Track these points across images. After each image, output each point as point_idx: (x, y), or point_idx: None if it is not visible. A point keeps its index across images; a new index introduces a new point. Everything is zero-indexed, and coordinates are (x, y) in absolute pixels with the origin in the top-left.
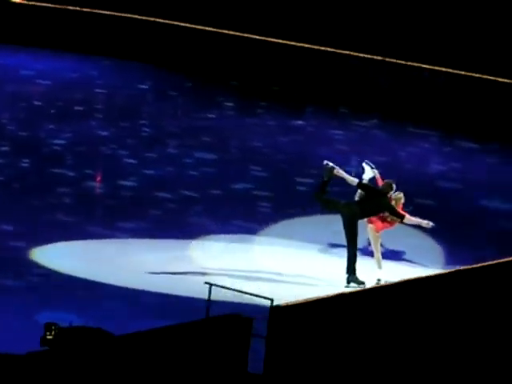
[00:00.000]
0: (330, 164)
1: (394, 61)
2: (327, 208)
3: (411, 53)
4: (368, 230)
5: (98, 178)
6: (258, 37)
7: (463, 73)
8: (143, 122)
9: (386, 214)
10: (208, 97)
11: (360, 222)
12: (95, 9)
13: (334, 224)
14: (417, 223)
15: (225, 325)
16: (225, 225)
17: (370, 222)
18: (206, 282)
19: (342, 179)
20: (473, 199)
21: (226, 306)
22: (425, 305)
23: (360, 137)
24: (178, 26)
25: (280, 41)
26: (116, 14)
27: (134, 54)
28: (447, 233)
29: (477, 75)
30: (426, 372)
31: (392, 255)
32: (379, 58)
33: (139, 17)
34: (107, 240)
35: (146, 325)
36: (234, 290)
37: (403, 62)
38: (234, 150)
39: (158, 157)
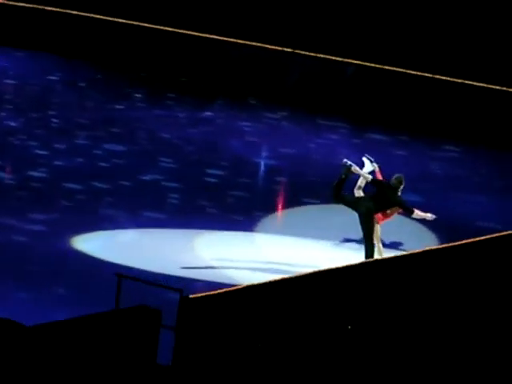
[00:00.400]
0: (349, 162)
1: (304, 53)
2: (344, 205)
3: (322, 45)
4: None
5: (7, 170)
6: (166, 28)
7: (373, 65)
8: (53, 112)
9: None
10: (117, 88)
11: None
12: (5, 0)
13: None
14: (423, 217)
15: (133, 316)
16: (134, 216)
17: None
18: (116, 274)
19: (358, 176)
20: None
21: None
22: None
23: (269, 128)
24: (88, 17)
25: (188, 32)
26: (27, 5)
27: (44, 45)
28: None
29: (386, 67)
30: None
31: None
32: (289, 49)
33: (50, 8)
34: None
35: None
36: (143, 281)
37: (313, 54)
38: (143, 141)
39: (68, 148)
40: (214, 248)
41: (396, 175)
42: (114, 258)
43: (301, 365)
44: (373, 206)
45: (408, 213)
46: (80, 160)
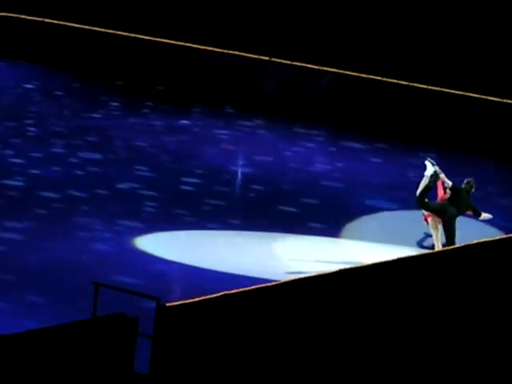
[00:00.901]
0: (436, 167)
1: (281, 61)
2: (430, 211)
3: (298, 53)
4: (431, 223)
5: None
6: (142, 36)
7: (350, 73)
8: (29, 121)
9: None
10: (93, 96)
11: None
12: None
13: None
14: (486, 218)
15: (110, 325)
16: (110, 224)
17: (429, 216)
18: (92, 282)
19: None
20: (358, 198)
21: None
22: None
23: (246, 136)
24: (64, 25)
25: (165, 40)
26: (2, 14)
27: (20, 54)
28: (334, 230)
29: (362, 75)
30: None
31: None
32: (266, 58)
33: (26, 17)
34: None
35: None
36: (120, 289)
37: (290, 62)
38: (119, 149)
39: (44, 156)
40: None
41: (467, 180)
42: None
43: (279, 372)
44: (455, 210)
45: (477, 216)
46: (56, 168)
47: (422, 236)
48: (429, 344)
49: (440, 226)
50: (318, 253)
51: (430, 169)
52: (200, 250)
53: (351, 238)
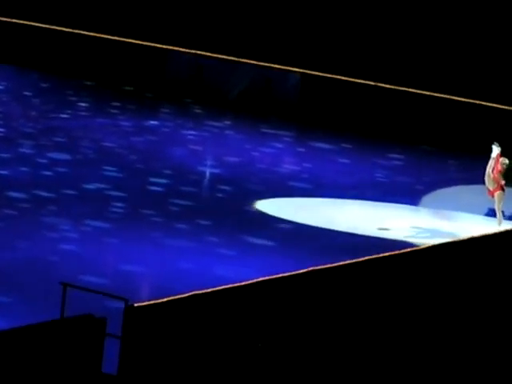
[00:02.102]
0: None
1: (248, 61)
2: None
3: (266, 54)
4: (498, 196)
5: None
6: (111, 37)
7: (317, 73)
8: None
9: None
10: (62, 97)
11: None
12: None
13: None
14: None
15: (78, 325)
16: (78, 224)
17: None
18: (60, 283)
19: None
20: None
21: None
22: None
23: (214, 137)
24: (33, 26)
25: (133, 41)
26: None
27: None
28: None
29: (329, 75)
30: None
31: None
32: (233, 58)
33: None
34: None
35: None
36: (88, 290)
37: (255, 62)
38: (87, 150)
39: (12, 157)
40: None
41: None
42: None
43: (245, 373)
44: None
45: None
46: (24, 169)
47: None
48: (432, 338)
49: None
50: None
51: (496, 151)
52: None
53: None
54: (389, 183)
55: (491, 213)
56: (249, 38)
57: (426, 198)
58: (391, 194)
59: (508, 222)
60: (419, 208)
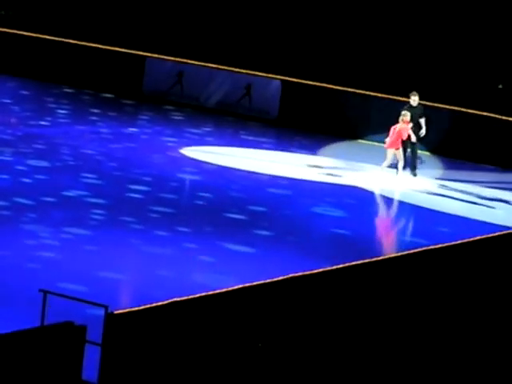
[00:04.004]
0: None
1: (227, 67)
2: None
3: (243, 59)
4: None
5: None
6: (90, 44)
7: (300, 80)
8: None
9: None
10: (41, 104)
11: None
12: None
13: None
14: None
15: (58, 333)
16: (57, 232)
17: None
18: (40, 290)
19: None
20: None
21: None
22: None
23: (193, 143)
24: (12, 33)
25: (112, 48)
26: None
27: None
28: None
29: (310, 82)
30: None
31: None
32: (213, 65)
33: None
34: None
35: None
36: (68, 297)
37: (235, 69)
38: (67, 157)
39: None
40: None
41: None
42: None
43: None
44: None
45: None
46: (3, 176)
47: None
48: (429, 341)
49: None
50: None
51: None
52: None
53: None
54: None
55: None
56: (229, 44)
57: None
58: None
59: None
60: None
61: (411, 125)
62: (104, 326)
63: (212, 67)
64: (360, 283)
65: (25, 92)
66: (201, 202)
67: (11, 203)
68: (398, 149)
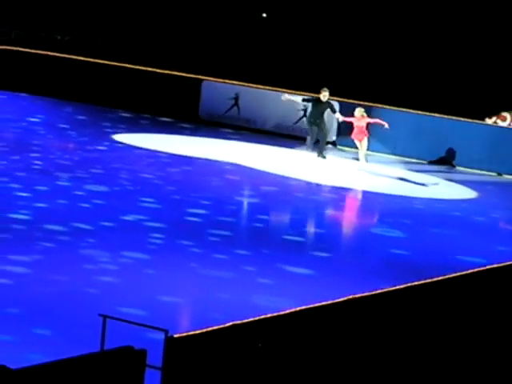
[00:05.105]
0: None
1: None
2: None
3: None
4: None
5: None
6: (147, 68)
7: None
8: (34, 154)
9: None
10: (99, 129)
11: None
12: None
13: None
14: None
15: (118, 358)
16: (116, 256)
17: None
18: (99, 315)
19: None
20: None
21: None
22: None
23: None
24: (69, 58)
25: (167, 72)
26: (4, 47)
27: (25, 87)
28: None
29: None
30: None
31: None
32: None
33: (31, 50)
34: None
35: None
36: (127, 321)
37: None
38: (124, 181)
39: (50, 189)
40: None
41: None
42: None
43: None
44: None
45: None
46: (61, 201)
47: None
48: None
49: None
50: None
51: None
52: None
53: None
54: None
55: None
56: (285, 67)
57: None
58: None
59: None
60: None
61: (367, 120)
62: (164, 350)
63: (269, 89)
64: (422, 303)
65: (82, 117)
66: (259, 225)
67: (70, 228)
68: (361, 140)
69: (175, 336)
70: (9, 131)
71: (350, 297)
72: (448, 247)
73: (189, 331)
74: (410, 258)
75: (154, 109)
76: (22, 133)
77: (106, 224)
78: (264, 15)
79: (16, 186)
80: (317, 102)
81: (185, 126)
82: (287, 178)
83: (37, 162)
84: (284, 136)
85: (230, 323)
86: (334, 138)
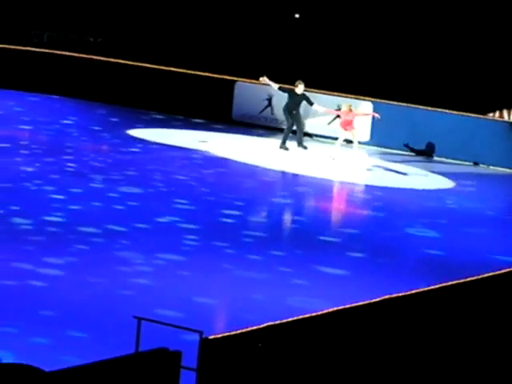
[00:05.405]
0: None
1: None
2: None
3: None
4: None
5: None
6: (178, 69)
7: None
8: (68, 157)
9: None
10: (132, 130)
11: None
12: (18, 45)
13: None
14: None
15: (153, 359)
16: (151, 258)
17: None
18: (134, 317)
19: None
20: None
21: None
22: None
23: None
24: (101, 60)
25: (197, 73)
26: (39, 50)
27: (57, 89)
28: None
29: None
30: None
31: None
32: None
33: (62, 52)
34: None
35: None
36: (162, 323)
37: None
38: (158, 183)
39: (84, 192)
40: None
41: None
42: None
43: None
44: None
45: None
46: (95, 203)
47: None
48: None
49: None
50: None
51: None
52: None
53: None
54: None
55: None
56: (317, 67)
57: None
58: None
59: None
60: None
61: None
62: (199, 352)
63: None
64: (458, 303)
65: (114, 119)
66: (293, 225)
67: (104, 230)
68: (351, 130)
69: (210, 337)
70: (42, 134)
71: (386, 297)
72: (482, 245)
73: (224, 332)
74: (445, 258)
75: (187, 110)
76: (55, 135)
77: (140, 226)
78: (297, 16)
79: (50, 188)
80: (293, 93)
81: (218, 126)
82: (320, 178)
83: (70, 164)
84: (316, 136)
85: (265, 324)
86: (367, 138)
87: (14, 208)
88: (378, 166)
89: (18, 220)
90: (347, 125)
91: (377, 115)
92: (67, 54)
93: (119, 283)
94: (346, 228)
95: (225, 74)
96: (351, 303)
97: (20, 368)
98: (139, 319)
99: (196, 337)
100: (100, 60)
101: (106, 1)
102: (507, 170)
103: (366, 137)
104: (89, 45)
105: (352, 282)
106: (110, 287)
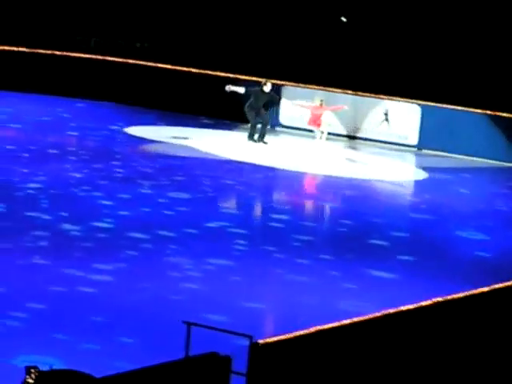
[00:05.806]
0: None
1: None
2: None
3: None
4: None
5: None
6: (226, 74)
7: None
8: (116, 163)
9: None
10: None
11: None
12: (64, 51)
13: None
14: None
15: (203, 364)
16: (200, 263)
17: None
18: (184, 322)
19: None
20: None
21: None
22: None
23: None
24: (148, 66)
25: (245, 77)
26: (84, 55)
27: (105, 95)
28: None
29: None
30: None
31: None
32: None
33: (109, 58)
34: None
35: None
36: (212, 328)
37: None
38: (207, 188)
39: (132, 197)
40: None
41: None
42: None
43: None
44: None
45: None
46: (145, 209)
47: None
48: None
49: None
50: None
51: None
52: None
53: None
54: None
55: None
56: (363, 71)
57: None
58: None
59: None
60: None
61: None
62: (249, 356)
63: (350, 94)
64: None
65: (161, 124)
66: (342, 229)
67: (154, 236)
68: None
69: (260, 342)
70: (90, 139)
71: (435, 300)
72: None
73: (273, 337)
74: (493, 261)
75: (234, 115)
76: (103, 141)
77: (190, 231)
78: (343, 19)
79: (99, 194)
80: (260, 92)
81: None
82: (366, 180)
83: (119, 169)
84: (356, 138)
85: (315, 328)
86: (415, 141)
87: (63, 214)
88: (425, 168)
89: (67, 226)
90: (315, 120)
91: (345, 107)
92: (114, 59)
93: (169, 288)
94: (394, 231)
95: (274, 78)
96: (401, 307)
97: (71, 374)
98: (189, 324)
99: (246, 342)
100: (147, 65)
101: (152, 7)
102: None
103: (414, 140)
104: (136, 50)
105: (402, 286)
106: (159, 292)
